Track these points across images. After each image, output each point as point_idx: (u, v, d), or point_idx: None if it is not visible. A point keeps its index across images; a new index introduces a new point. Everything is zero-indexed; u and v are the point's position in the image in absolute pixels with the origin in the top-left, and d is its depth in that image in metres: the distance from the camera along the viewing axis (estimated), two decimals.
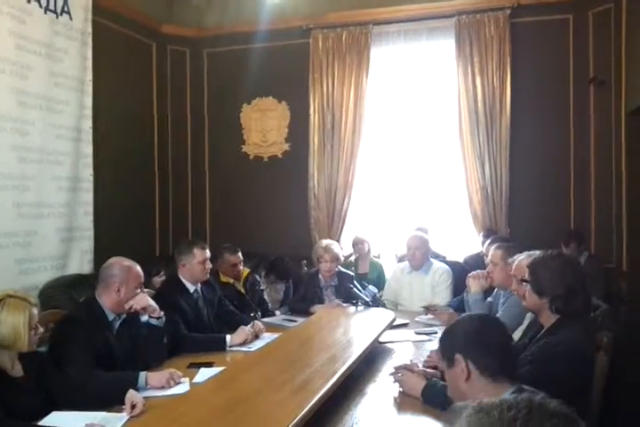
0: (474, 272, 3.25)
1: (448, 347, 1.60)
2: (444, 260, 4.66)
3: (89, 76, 4.59)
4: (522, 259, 2.47)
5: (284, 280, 4.69)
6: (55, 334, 2.38)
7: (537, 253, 2.25)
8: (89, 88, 4.61)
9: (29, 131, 4.06)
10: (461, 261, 4.91)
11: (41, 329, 2.07)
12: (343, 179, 5.43)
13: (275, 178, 5.70)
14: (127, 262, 2.55)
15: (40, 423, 1.91)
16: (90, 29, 4.55)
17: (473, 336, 1.56)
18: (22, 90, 3.96)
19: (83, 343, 2.30)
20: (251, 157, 5.86)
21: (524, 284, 2.18)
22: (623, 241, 4.41)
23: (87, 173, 4.68)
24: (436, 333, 3.19)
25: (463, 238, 5.38)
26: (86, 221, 4.69)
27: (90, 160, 4.70)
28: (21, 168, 4.01)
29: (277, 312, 4.07)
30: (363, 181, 5.57)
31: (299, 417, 1.71)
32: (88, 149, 4.67)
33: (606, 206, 4.64)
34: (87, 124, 4.64)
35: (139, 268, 2.57)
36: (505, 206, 5.06)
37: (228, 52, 5.78)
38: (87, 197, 4.69)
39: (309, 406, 1.82)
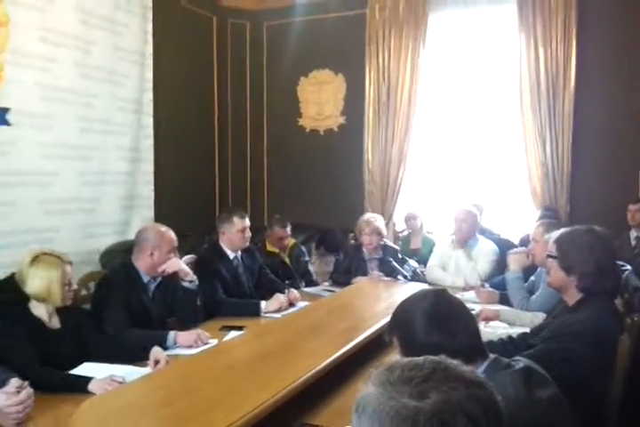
0: (515, 249, 3.15)
1: (414, 351, 1.31)
2: (498, 237, 4.54)
3: (149, 49, 4.75)
4: (552, 237, 2.37)
5: (333, 253, 4.74)
6: (94, 294, 2.55)
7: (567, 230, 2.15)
8: (149, 61, 4.77)
9: (93, 103, 4.26)
10: (517, 239, 4.75)
11: (75, 286, 2.23)
12: (397, 152, 5.36)
13: (330, 151, 5.71)
14: (161, 228, 2.67)
15: (72, 372, 2.07)
16: (150, 4, 4.69)
17: (436, 338, 1.34)
18: (86, 63, 4.16)
19: (117, 303, 2.46)
20: (307, 130, 5.89)
21: (550, 259, 2.10)
22: None
23: (147, 143, 4.87)
24: (473, 309, 3.13)
25: (521, 216, 5.20)
26: (146, 189, 4.90)
27: (150, 131, 4.88)
28: (85, 138, 4.23)
29: (325, 283, 4.13)
30: (418, 156, 5.46)
31: (300, 380, 1.76)
32: (148, 120, 4.85)
33: None
34: (148, 96, 4.82)
35: (172, 233, 2.69)
36: (566, 183, 4.83)
37: (287, 24, 5.78)
38: (147, 166, 4.89)
39: (316, 369, 1.86)
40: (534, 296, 2.94)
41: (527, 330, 2.60)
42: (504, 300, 3.20)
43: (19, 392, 1.63)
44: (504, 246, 3.89)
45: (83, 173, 4.24)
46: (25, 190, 3.77)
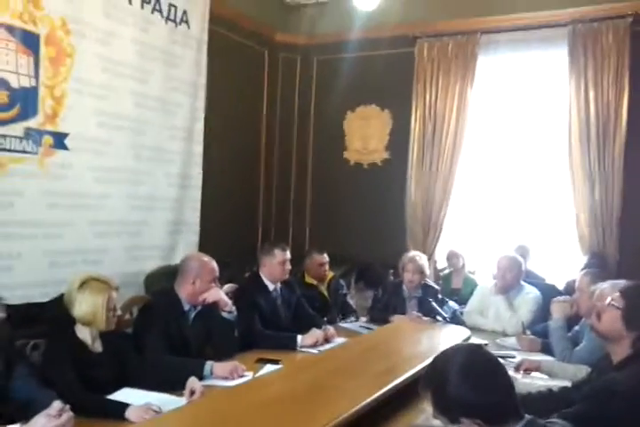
0: (559, 297, 3.07)
1: (447, 408, 1.38)
2: (542, 282, 4.44)
3: (203, 80, 4.91)
4: (605, 287, 2.29)
5: (372, 288, 4.71)
6: (136, 319, 2.61)
7: (622, 282, 2.10)
8: (202, 92, 4.92)
9: (145, 130, 4.41)
10: (562, 284, 4.63)
11: (119, 311, 2.28)
12: (441, 190, 5.34)
13: (373, 185, 5.73)
14: (204, 257, 2.73)
15: (110, 397, 2.11)
16: (206, 38, 4.87)
17: (469, 394, 1.33)
18: (141, 93, 4.33)
19: (158, 330, 2.50)
20: (351, 163, 5.95)
21: (612, 307, 2.01)
22: None
23: (196, 171, 4.98)
24: (513, 357, 3.05)
25: (567, 260, 5.07)
26: (193, 216, 4.99)
27: (199, 159, 4.99)
28: (137, 164, 4.36)
29: (363, 319, 4.10)
30: (461, 194, 5.43)
31: (332, 423, 1.74)
32: (198, 148, 4.98)
33: None
34: (199, 125, 4.96)
35: (214, 263, 2.74)
36: (615, 230, 4.69)
37: (337, 59, 5.90)
38: (195, 193, 4.99)
39: (348, 413, 1.84)
40: (578, 348, 2.85)
41: (568, 383, 2.52)
42: (546, 348, 3.12)
43: (60, 415, 1.67)
44: (548, 293, 3.79)
45: (132, 198, 4.36)
46: (78, 212, 3.90)
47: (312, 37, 6.04)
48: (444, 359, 1.42)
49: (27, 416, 1.76)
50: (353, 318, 3.96)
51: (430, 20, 5.37)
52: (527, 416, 1.36)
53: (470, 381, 1.33)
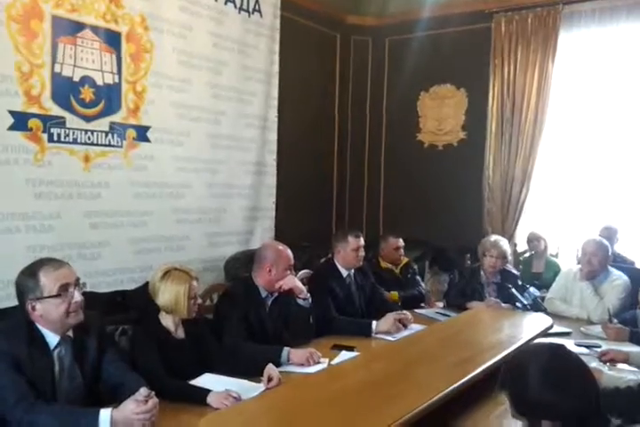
0: None
1: (527, 409, 1.34)
2: (631, 266, 4.20)
3: (276, 68, 4.97)
4: None
5: (447, 272, 4.64)
6: (216, 306, 2.71)
7: None
8: (276, 80, 4.98)
9: (221, 120, 4.53)
10: None
11: (199, 300, 2.38)
12: (521, 170, 5.14)
13: (448, 167, 5.61)
14: (279, 246, 2.79)
15: (193, 381, 2.21)
16: (278, 25, 4.91)
17: (551, 399, 1.28)
18: (217, 84, 4.44)
19: (237, 317, 2.59)
20: (425, 144, 5.84)
21: None
22: None
23: (271, 158, 5.08)
24: (599, 346, 2.92)
25: None
26: (269, 202, 5.11)
27: (274, 146, 5.08)
28: (214, 153, 4.51)
29: (439, 304, 4.06)
30: (543, 173, 5.20)
31: (409, 415, 1.75)
32: (273, 136, 5.06)
33: None
34: (273, 113, 5.03)
35: (289, 251, 2.79)
36: None
37: (409, 39, 5.77)
38: (270, 180, 5.10)
39: (426, 404, 1.84)
40: None
41: None
42: (635, 338, 2.96)
43: (147, 401, 1.77)
44: (637, 278, 3.59)
45: (211, 186, 4.51)
46: (161, 201, 4.09)
47: (382, 18, 5.93)
48: (523, 360, 1.37)
49: (116, 399, 1.89)
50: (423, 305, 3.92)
51: None
52: (613, 421, 1.30)
53: (551, 384, 1.29)
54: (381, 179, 6.14)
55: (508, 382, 1.37)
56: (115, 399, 1.91)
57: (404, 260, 4.15)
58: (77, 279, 2.01)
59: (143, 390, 1.77)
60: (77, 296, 1.96)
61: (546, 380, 1.29)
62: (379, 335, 2.99)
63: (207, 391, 2.04)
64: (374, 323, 3.03)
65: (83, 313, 2.00)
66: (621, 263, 4.15)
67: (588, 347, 2.94)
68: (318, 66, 5.68)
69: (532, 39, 5.01)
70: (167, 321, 2.33)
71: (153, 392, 1.80)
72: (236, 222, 4.79)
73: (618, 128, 4.90)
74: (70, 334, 2.00)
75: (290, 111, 5.19)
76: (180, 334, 2.36)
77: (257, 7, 4.70)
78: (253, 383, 2.22)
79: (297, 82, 5.29)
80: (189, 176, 4.30)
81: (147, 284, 2.44)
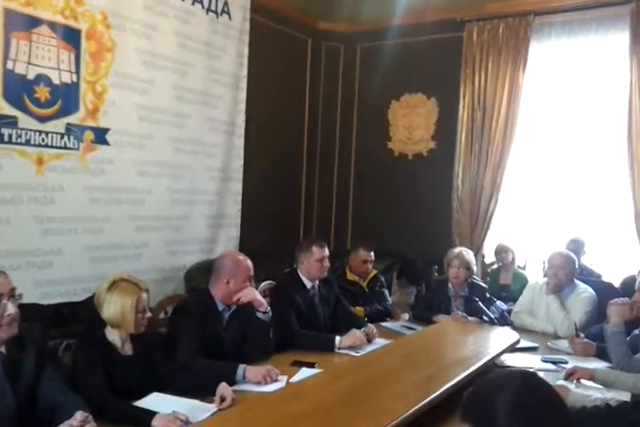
0: (617, 299, 2.85)
1: None
2: (597, 280, 4.18)
3: (244, 72, 4.84)
4: None
5: (414, 284, 4.56)
6: (169, 320, 2.56)
7: None
8: (244, 84, 4.85)
9: (186, 124, 4.37)
10: (618, 282, 4.35)
11: (149, 313, 2.22)
12: (490, 180, 5.11)
13: (418, 176, 5.55)
14: (239, 256, 2.66)
15: (139, 402, 2.06)
16: (247, 28, 4.78)
17: (519, 421, 1.17)
18: (182, 85, 4.29)
19: (191, 331, 2.44)
20: (395, 153, 5.78)
21: None
22: None
23: (238, 164, 4.93)
24: (566, 362, 2.87)
25: (627, 255, 4.77)
26: (234, 209, 4.96)
27: (241, 152, 4.94)
28: (177, 158, 4.34)
29: (405, 315, 3.98)
30: (512, 185, 5.18)
31: None
32: (240, 141, 4.92)
33: None
34: (240, 118, 4.89)
35: (249, 262, 2.66)
36: None
37: (381, 46, 5.71)
38: (236, 186, 4.94)
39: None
40: (638, 355, 2.63)
41: (627, 395, 2.33)
42: (601, 353, 2.91)
43: (83, 426, 1.62)
44: (604, 291, 3.55)
45: (173, 191, 4.34)
46: (119, 207, 3.91)
47: (355, 25, 5.87)
48: (490, 391, 1.22)
49: (51, 420, 1.74)
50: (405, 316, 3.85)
51: (477, 1, 5.11)
52: None
53: (522, 419, 1.16)
54: (351, 187, 6.06)
55: (473, 415, 1.23)
56: (52, 422, 1.76)
57: (372, 272, 4.06)
58: (12, 289, 1.85)
59: (79, 415, 1.64)
60: (11, 308, 1.80)
61: (515, 415, 1.17)
62: (342, 350, 2.88)
63: (153, 414, 1.89)
64: (337, 338, 2.92)
65: (17, 327, 1.84)
66: (588, 276, 4.13)
67: (554, 363, 2.88)
68: (288, 71, 5.58)
69: (503, 49, 4.99)
70: (113, 336, 2.17)
71: (90, 416, 1.65)
72: (198, 230, 4.62)
73: (586, 140, 4.91)
74: (2, 349, 1.84)
75: (258, 117, 5.07)
76: (128, 350, 2.20)
77: (226, 9, 4.57)
78: (205, 404, 2.08)
79: (266, 87, 5.18)
80: (150, 181, 4.13)
81: (93, 296, 2.28)
